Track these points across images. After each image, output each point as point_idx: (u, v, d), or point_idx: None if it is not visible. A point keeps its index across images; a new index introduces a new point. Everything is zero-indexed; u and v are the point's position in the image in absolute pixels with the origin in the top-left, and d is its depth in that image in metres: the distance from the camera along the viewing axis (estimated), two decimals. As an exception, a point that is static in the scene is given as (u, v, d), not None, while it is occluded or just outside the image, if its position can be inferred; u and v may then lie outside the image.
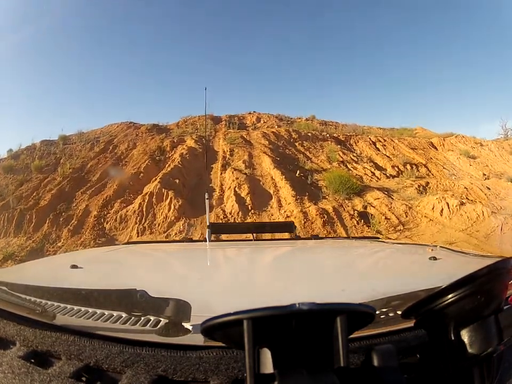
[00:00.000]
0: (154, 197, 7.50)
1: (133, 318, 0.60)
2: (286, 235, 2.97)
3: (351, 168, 9.80)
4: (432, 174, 10.15)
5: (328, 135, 12.07)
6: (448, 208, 6.89)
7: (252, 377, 0.32)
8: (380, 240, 2.23)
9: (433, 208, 7.01)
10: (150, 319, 0.59)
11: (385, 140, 12.01)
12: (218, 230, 2.34)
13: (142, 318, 0.60)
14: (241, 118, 13.87)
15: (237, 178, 8.14)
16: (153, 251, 1.76)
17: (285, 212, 6.96)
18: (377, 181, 9.32)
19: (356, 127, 13.74)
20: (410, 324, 0.46)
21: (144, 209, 7.22)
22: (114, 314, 0.61)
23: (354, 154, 10.96)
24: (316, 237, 2.13)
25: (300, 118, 13.87)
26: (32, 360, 0.48)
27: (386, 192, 8.07)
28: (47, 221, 7.01)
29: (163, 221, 6.99)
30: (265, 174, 8.83)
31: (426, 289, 0.60)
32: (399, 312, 0.50)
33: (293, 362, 0.34)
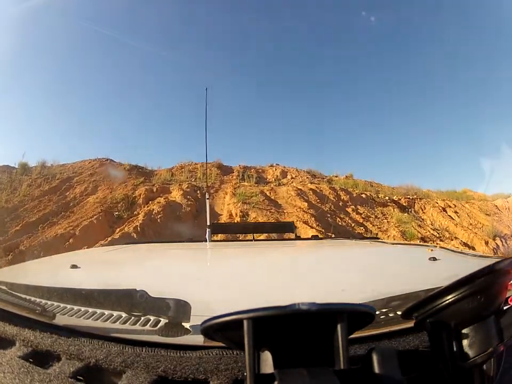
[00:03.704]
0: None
1: (132, 318, 0.60)
2: (286, 235, 2.97)
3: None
4: (525, 249, 7.33)
5: (387, 198, 9.03)
6: None
7: (252, 378, 0.32)
8: (380, 240, 2.23)
9: None
10: (150, 319, 0.59)
11: (455, 205, 9.32)
12: (219, 230, 2.34)
13: (142, 318, 0.60)
14: (260, 170, 10.56)
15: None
16: (153, 251, 1.76)
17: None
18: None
19: (412, 188, 10.40)
20: (410, 324, 0.46)
21: None
22: (114, 314, 0.61)
23: (432, 227, 7.94)
24: (316, 237, 2.13)
25: (336, 176, 10.89)
26: (32, 360, 0.48)
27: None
28: None
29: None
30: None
31: (426, 289, 0.60)
32: (399, 312, 0.50)
33: (293, 362, 0.34)
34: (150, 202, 7.30)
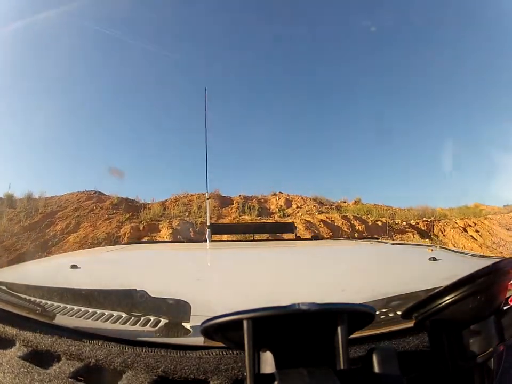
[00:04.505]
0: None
1: (133, 318, 0.60)
2: (286, 235, 2.97)
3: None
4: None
5: (404, 223, 8.21)
6: None
7: (252, 378, 0.32)
8: (380, 240, 2.23)
9: None
10: (150, 319, 0.59)
11: (475, 224, 8.58)
12: (219, 230, 2.34)
13: (142, 318, 0.60)
14: (262, 200, 9.57)
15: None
16: (153, 251, 1.76)
17: None
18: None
19: (427, 209, 9.26)
20: (410, 324, 0.46)
21: None
22: (114, 314, 0.61)
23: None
24: (315, 237, 2.14)
25: (345, 201, 10.03)
26: (32, 360, 0.48)
27: None
28: None
29: None
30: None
31: (426, 289, 0.60)
32: (399, 313, 0.50)
33: (293, 362, 0.34)
34: (136, 242, 6.66)
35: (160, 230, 7.20)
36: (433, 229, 8.26)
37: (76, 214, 7.89)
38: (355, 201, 9.97)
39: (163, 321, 0.59)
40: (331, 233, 7.35)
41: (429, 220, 8.60)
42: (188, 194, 9.27)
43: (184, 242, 2.16)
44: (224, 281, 0.93)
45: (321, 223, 7.73)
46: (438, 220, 8.72)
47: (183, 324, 0.57)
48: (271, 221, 7.72)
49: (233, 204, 9.12)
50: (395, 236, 7.73)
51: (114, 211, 8.09)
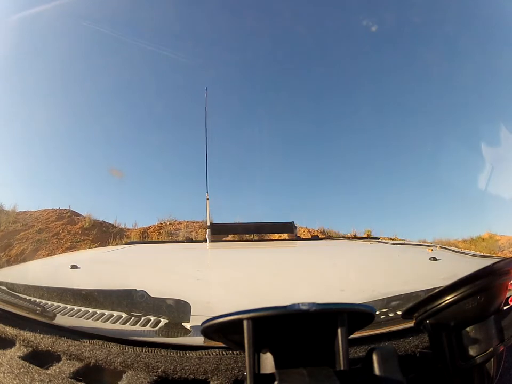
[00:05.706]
0: None
1: (133, 318, 0.60)
2: (286, 235, 2.97)
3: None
4: None
5: None
6: None
7: (252, 378, 0.32)
8: (380, 240, 2.23)
9: None
10: (150, 319, 0.59)
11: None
12: (219, 230, 2.34)
13: (142, 318, 0.60)
14: None
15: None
16: (153, 251, 1.76)
17: None
18: None
19: (444, 243, 6.91)
20: (411, 324, 0.46)
21: None
22: (114, 315, 0.61)
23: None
24: (315, 237, 2.13)
25: (355, 235, 8.05)
26: (32, 360, 0.48)
27: None
28: None
29: None
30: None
31: (426, 289, 0.60)
32: (399, 313, 0.50)
33: (293, 362, 0.34)
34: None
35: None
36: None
37: (37, 238, 6.65)
38: (367, 234, 8.25)
39: (163, 321, 0.59)
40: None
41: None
42: (175, 221, 7.57)
43: (184, 242, 2.16)
44: (224, 281, 0.93)
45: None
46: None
47: (183, 324, 0.57)
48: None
49: (228, 236, 7.70)
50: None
51: (82, 237, 6.88)
